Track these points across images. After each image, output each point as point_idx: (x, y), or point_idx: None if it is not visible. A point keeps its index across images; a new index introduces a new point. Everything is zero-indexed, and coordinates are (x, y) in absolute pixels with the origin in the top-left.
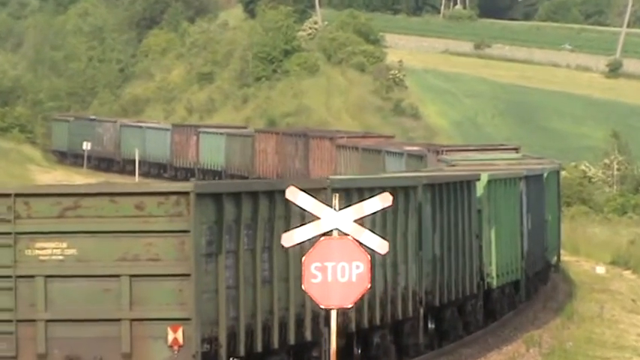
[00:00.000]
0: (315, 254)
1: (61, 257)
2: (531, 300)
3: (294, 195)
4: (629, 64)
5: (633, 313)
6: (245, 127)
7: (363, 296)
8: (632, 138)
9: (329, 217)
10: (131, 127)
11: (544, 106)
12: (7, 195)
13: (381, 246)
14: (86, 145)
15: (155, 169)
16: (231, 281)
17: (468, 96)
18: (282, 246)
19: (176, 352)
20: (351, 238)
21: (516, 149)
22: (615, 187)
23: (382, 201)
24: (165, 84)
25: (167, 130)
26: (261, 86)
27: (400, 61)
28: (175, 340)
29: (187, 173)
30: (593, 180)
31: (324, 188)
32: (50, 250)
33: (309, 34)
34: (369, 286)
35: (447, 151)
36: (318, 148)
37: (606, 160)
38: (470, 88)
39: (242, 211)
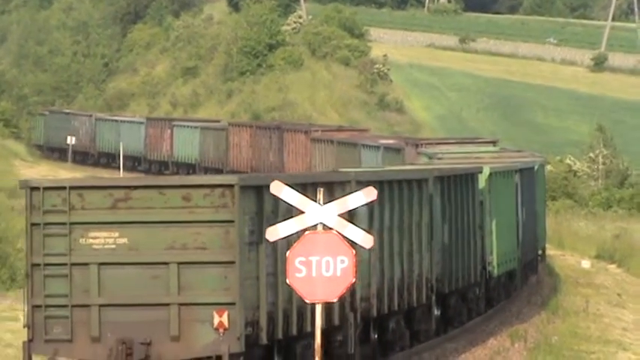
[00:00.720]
0: (300, 248)
1: (113, 246)
2: (520, 291)
3: (279, 189)
4: (614, 58)
5: (618, 307)
6: (219, 121)
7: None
8: (618, 132)
9: (313, 211)
10: (106, 120)
11: (529, 100)
12: (62, 187)
13: (365, 240)
14: (70, 140)
15: (130, 161)
16: (270, 268)
17: (453, 90)
18: None
19: (221, 335)
20: (336, 233)
21: (494, 142)
22: (600, 181)
23: (366, 195)
24: (150, 78)
25: (141, 123)
26: (245, 81)
27: (385, 56)
28: (221, 323)
29: (161, 166)
30: (578, 174)
31: (349, 181)
32: (103, 240)
33: (294, 29)
34: (354, 280)
35: (425, 144)
36: (293, 141)
37: (591, 154)
38: (455, 83)
39: (279, 203)
